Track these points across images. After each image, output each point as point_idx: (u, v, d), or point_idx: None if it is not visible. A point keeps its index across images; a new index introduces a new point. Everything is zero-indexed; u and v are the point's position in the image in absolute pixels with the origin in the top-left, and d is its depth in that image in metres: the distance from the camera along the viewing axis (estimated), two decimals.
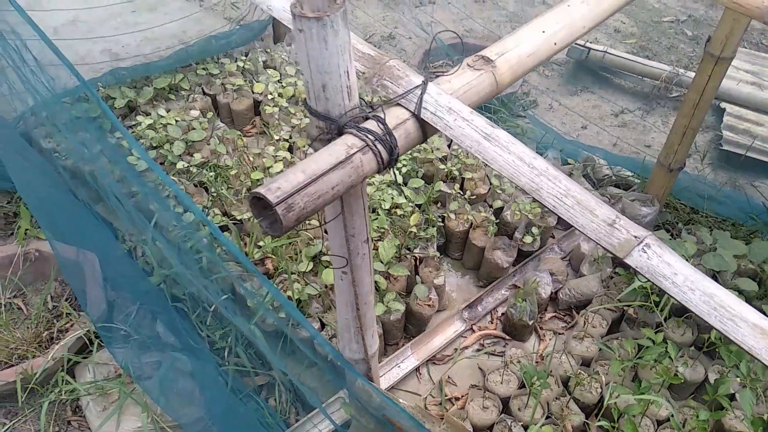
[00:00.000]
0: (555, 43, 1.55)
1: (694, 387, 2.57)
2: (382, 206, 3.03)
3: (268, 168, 3.24)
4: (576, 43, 4.85)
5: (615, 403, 2.28)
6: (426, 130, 1.34)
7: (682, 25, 5.46)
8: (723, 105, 4.38)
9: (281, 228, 1.15)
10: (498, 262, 2.99)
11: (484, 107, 4.13)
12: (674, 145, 3.08)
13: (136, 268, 3.06)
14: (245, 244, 2.94)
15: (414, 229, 2.99)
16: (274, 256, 2.89)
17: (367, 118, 1.29)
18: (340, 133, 1.28)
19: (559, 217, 3.26)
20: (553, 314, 2.96)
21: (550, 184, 1.20)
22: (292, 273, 2.77)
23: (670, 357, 2.40)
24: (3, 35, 2.35)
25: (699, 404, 2.42)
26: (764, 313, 1.17)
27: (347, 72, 1.24)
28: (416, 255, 2.97)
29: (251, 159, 3.33)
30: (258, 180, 3.17)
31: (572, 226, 3.27)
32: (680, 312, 2.75)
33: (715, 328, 1.05)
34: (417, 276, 2.90)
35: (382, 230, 2.93)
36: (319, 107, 1.27)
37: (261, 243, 2.90)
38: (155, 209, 2.86)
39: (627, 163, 3.78)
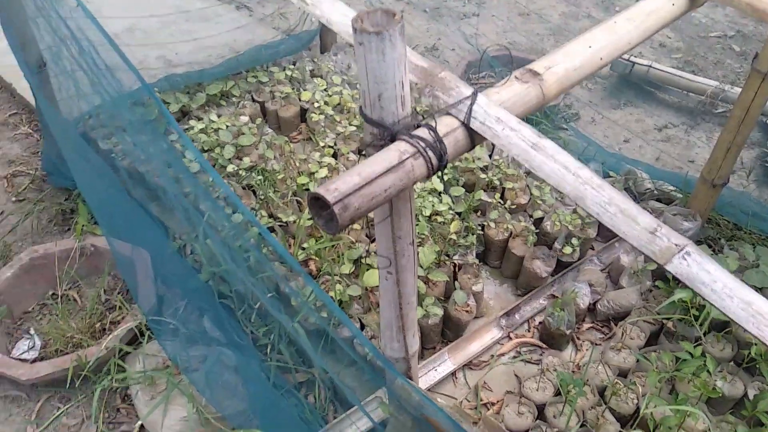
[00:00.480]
0: (601, 58, 1.60)
1: (732, 403, 2.56)
2: (423, 213, 3.10)
3: (314, 173, 3.34)
4: (620, 57, 4.85)
5: (651, 413, 2.29)
6: (474, 138, 1.41)
7: (730, 41, 5.40)
8: None
9: (337, 226, 1.23)
10: (537, 271, 3.03)
11: (526, 119, 4.17)
12: (718, 161, 3.07)
13: (185, 266, 3.20)
14: (290, 245, 3.05)
15: (454, 236, 3.05)
16: (317, 258, 2.99)
17: (418, 126, 1.37)
18: (393, 140, 1.35)
19: (599, 229, 3.30)
20: (591, 325, 2.98)
21: (595, 193, 1.25)
22: (335, 275, 2.86)
23: (708, 371, 2.41)
24: (78, 40, 2.52)
25: (737, 420, 2.41)
26: None
27: (401, 82, 1.31)
28: (455, 261, 3.03)
29: (297, 164, 3.44)
30: (304, 185, 3.28)
31: (612, 239, 3.30)
32: (720, 327, 2.74)
33: (753, 335, 1.09)
34: (455, 282, 2.96)
35: (423, 236, 3.00)
36: (374, 115, 1.35)
37: (305, 245, 3.00)
38: (206, 209, 2.99)
39: (669, 178, 3.76)
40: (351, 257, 2.94)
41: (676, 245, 1.17)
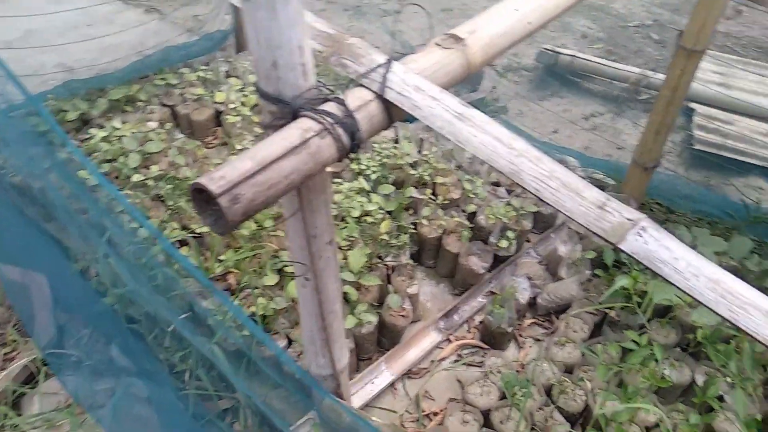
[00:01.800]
0: (529, 23, 1.44)
1: (681, 390, 2.46)
2: (351, 214, 2.88)
3: None
4: (544, 48, 4.81)
5: (603, 411, 2.15)
6: (392, 112, 1.20)
7: (648, 30, 5.47)
8: (692, 105, 4.36)
9: (227, 223, 1.00)
10: (473, 268, 2.86)
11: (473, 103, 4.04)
12: (649, 143, 3.01)
13: (88, 289, 2.86)
14: (206, 258, 2.76)
15: (385, 237, 2.85)
16: (237, 270, 2.72)
17: (326, 100, 1.15)
18: (295, 117, 1.13)
19: (534, 221, 3.17)
20: (533, 320, 2.84)
21: (532, 166, 1.07)
22: (256, 287, 2.60)
23: (655, 359, 2.29)
24: None
25: (688, 408, 2.31)
26: None
27: (300, 48, 1.10)
28: (388, 264, 2.83)
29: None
30: None
31: (548, 229, 3.18)
32: (663, 312, 2.65)
33: (725, 318, 0.93)
34: (389, 285, 2.75)
35: (352, 239, 2.78)
36: (270, 88, 1.13)
37: (223, 257, 2.72)
38: (108, 225, 2.67)
39: (600, 165, 3.71)
40: (274, 267, 2.68)
41: (629, 220, 1.00)
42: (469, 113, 1.13)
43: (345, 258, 2.68)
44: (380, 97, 1.18)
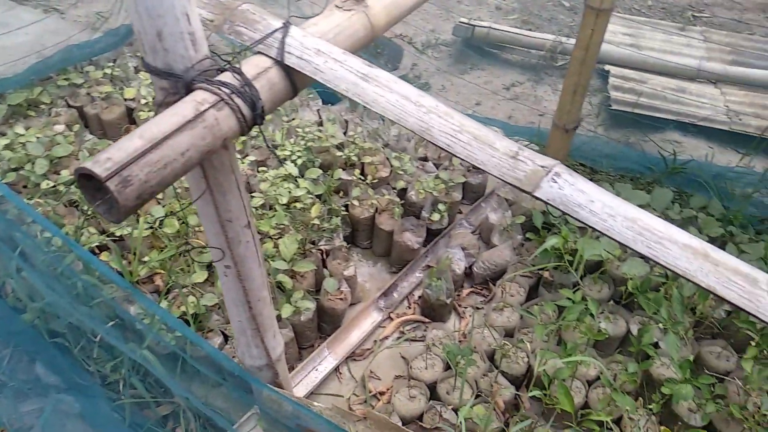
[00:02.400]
0: None
1: (618, 341, 2.53)
2: (279, 201, 2.80)
3: None
4: (460, 22, 4.83)
5: (544, 369, 2.18)
6: (294, 79, 1.14)
7: None
8: (607, 68, 4.47)
9: (120, 209, 0.91)
10: (408, 244, 2.84)
11: None
12: (567, 105, 3.06)
13: (4, 307, 2.67)
14: (128, 262, 2.62)
15: (316, 222, 2.78)
16: (163, 271, 2.60)
17: (221, 71, 1.08)
18: (189, 91, 1.06)
19: (464, 191, 3.18)
20: (470, 290, 2.85)
21: (442, 122, 1.03)
22: (185, 287, 2.49)
23: (591, 314, 2.34)
24: None
25: (626, 357, 2.37)
26: None
27: (186, 15, 1.02)
28: (322, 248, 2.77)
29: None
30: None
31: (478, 199, 3.19)
32: (594, 268, 2.71)
33: (643, 255, 0.92)
34: (325, 270, 2.70)
35: (282, 226, 2.70)
36: (158, 62, 1.04)
37: (146, 258, 2.59)
38: (18, 238, 2.50)
39: (524, 132, 3.75)
40: (202, 263, 2.58)
41: (542, 167, 0.98)
42: (374, 73, 1.09)
43: (276, 246, 2.60)
44: (280, 63, 1.11)
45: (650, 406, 2.15)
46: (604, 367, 2.25)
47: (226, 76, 1.06)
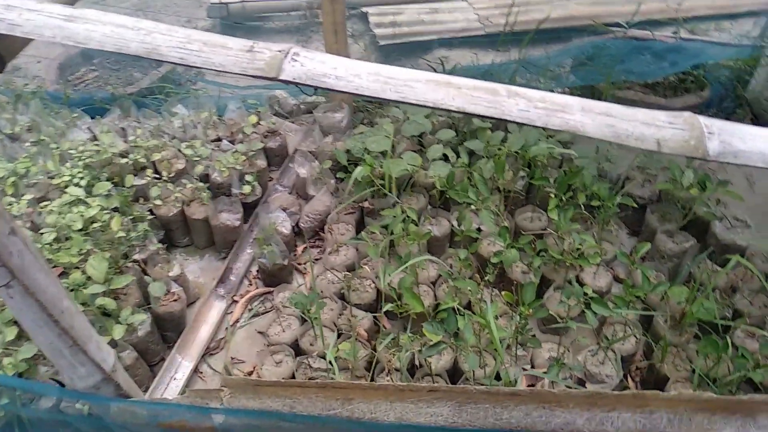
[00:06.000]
0: None
1: (447, 239, 2.68)
2: (73, 228, 2.55)
3: None
4: (212, 3, 4.70)
5: (389, 284, 2.25)
6: None
7: None
8: (364, 10, 4.63)
9: None
10: (227, 224, 2.76)
11: (150, 89, 3.79)
12: (333, 46, 3.12)
13: None
14: None
15: (122, 234, 2.59)
16: None
17: None
18: None
19: (267, 157, 3.14)
20: (304, 246, 2.84)
21: (167, 38, 0.99)
22: None
23: (414, 222, 2.44)
24: None
25: (457, 249, 2.52)
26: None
27: None
28: (137, 258, 2.59)
29: None
30: None
31: (285, 161, 3.17)
32: (406, 184, 2.83)
33: (394, 101, 0.96)
34: (148, 278, 2.53)
35: (85, 252, 2.47)
36: None
37: None
38: None
39: (308, 90, 3.78)
40: (5, 320, 2.29)
41: (280, 51, 0.98)
42: (79, 12, 1.00)
43: (84, 272, 2.38)
44: None
45: (487, 278, 2.32)
46: (441, 262, 2.37)
47: None
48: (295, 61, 0.97)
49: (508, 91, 0.95)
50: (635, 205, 2.60)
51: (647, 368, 2.26)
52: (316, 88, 0.95)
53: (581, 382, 2.18)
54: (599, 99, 3.12)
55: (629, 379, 2.27)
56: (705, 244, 2.63)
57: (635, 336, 2.25)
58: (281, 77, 0.96)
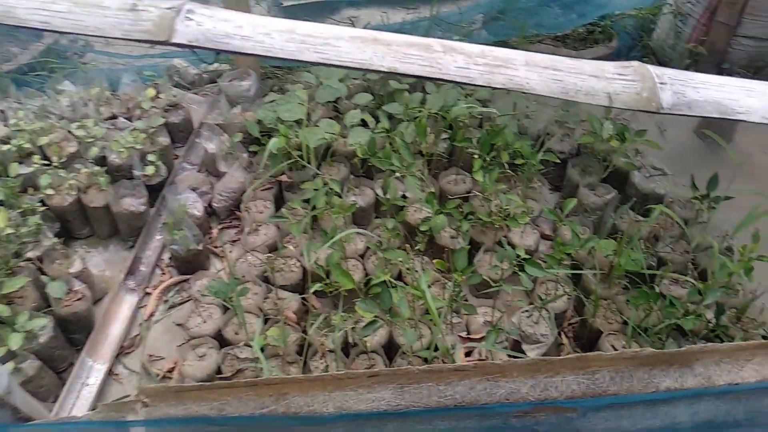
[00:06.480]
0: None
1: (372, 209, 2.57)
2: None
3: None
4: None
5: (315, 262, 2.12)
6: None
7: None
8: None
9: None
10: (131, 209, 2.52)
11: (31, 66, 3.40)
12: (232, 7, 2.88)
13: None
14: None
15: (10, 230, 2.30)
16: None
17: None
18: None
19: (170, 133, 2.89)
20: (220, 227, 2.65)
21: (24, 1, 0.79)
22: None
23: (337, 194, 2.31)
24: None
25: (384, 219, 2.42)
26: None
27: None
28: (31, 256, 2.32)
29: None
30: None
31: (190, 136, 2.93)
32: (325, 154, 2.68)
33: (315, 63, 0.82)
34: (46, 276, 2.27)
35: None
36: None
37: None
38: None
39: (209, 56, 3.51)
40: None
41: (169, 9, 0.81)
42: None
43: None
44: None
45: (417, 248, 2.23)
46: (369, 234, 2.26)
47: None
48: (190, 20, 0.80)
49: (443, 47, 0.83)
50: (557, 161, 2.58)
51: (580, 323, 2.27)
52: (218, 51, 0.79)
53: (517, 344, 2.15)
54: None
55: (563, 336, 2.27)
56: (626, 195, 2.66)
57: (566, 293, 2.25)
58: (174, 40, 0.80)
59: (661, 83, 0.88)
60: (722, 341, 2.04)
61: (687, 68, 3.54)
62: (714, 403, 1.69)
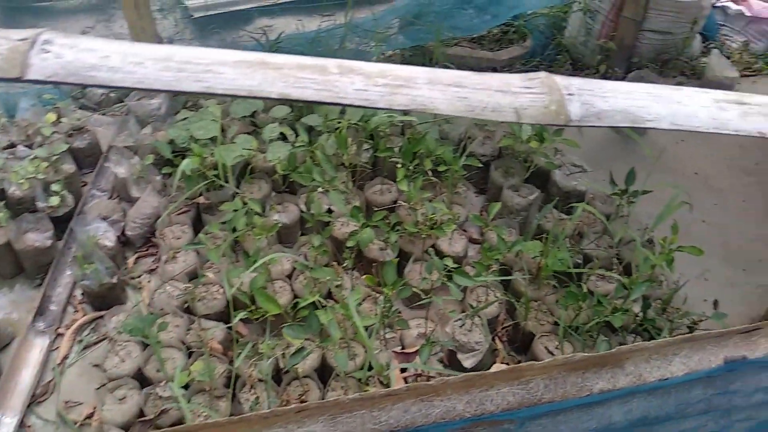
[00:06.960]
0: None
1: (298, 226, 2.49)
2: None
3: None
4: None
5: (238, 288, 2.01)
6: None
7: None
8: None
9: None
10: (36, 245, 2.33)
11: None
12: (136, 23, 2.74)
13: None
14: None
15: None
16: None
17: None
18: None
19: (77, 160, 2.70)
20: (136, 256, 2.50)
21: None
22: None
23: (257, 213, 2.21)
24: None
25: (309, 235, 2.33)
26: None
27: None
28: None
29: None
30: None
31: (98, 161, 2.76)
32: (244, 170, 2.58)
33: (197, 93, 0.74)
34: None
35: None
36: None
37: None
38: None
39: None
40: None
41: (22, 40, 0.70)
42: None
43: None
44: None
45: (344, 264, 2.17)
46: (294, 256, 2.17)
47: None
48: (47, 51, 0.70)
49: (340, 68, 0.77)
50: (480, 164, 2.57)
51: (513, 327, 2.26)
52: (84, 86, 0.69)
53: (452, 354, 2.12)
54: (431, 59, 3.05)
55: (497, 341, 2.25)
56: (549, 194, 2.69)
57: (497, 298, 2.24)
58: (28, 77, 0.70)
59: (569, 94, 0.85)
60: (650, 334, 2.07)
61: (599, 64, 3.64)
62: (646, 399, 1.70)
